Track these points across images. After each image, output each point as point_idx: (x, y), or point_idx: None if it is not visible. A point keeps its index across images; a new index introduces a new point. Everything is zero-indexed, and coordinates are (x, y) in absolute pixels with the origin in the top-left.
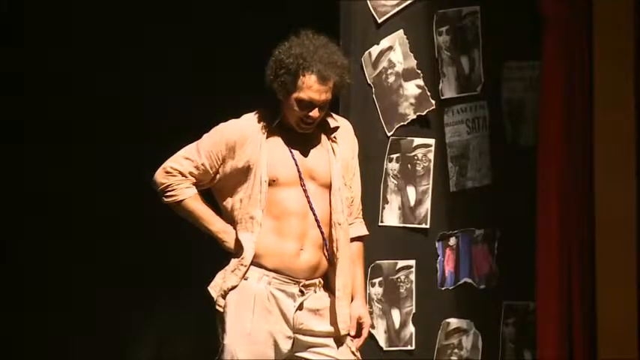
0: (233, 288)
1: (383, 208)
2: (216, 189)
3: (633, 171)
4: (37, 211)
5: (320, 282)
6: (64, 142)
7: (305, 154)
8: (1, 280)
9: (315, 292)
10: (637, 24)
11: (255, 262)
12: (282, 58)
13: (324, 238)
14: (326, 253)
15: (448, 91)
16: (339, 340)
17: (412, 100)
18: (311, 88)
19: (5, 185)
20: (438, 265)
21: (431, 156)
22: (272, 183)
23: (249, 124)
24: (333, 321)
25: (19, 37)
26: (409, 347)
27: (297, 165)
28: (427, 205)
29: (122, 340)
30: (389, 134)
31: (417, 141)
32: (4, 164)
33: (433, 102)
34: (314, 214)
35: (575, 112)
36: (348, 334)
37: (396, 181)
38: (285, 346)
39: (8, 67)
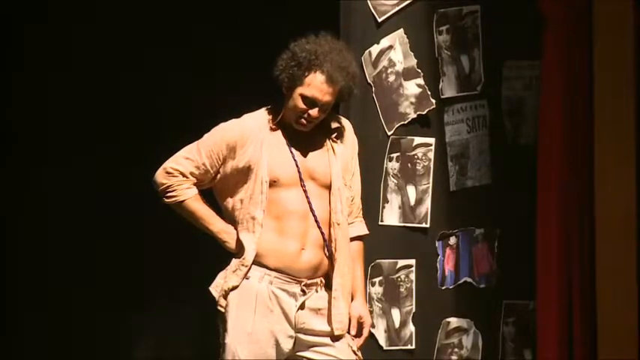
0: (234, 288)
1: (383, 207)
2: (216, 189)
3: (633, 171)
4: (37, 211)
5: (321, 281)
6: (64, 142)
7: (305, 154)
8: (1, 280)
9: (317, 291)
10: (637, 24)
11: (257, 262)
12: (296, 51)
13: (324, 238)
14: (327, 253)
15: (448, 90)
16: (338, 340)
17: (412, 100)
18: (317, 86)
19: (5, 185)
20: (438, 265)
21: (431, 155)
22: (273, 183)
23: (249, 124)
24: (330, 321)
25: (19, 34)
26: (409, 346)
27: (297, 165)
28: (427, 204)
29: (122, 340)
30: (389, 133)
31: (417, 140)
32: (5, 164)
33: (433, 101)
34: (313, 215)
35: (575, 112)
36: (349, 333)
37: (396, 181)
38: (287, 345)
39: (8, 67)
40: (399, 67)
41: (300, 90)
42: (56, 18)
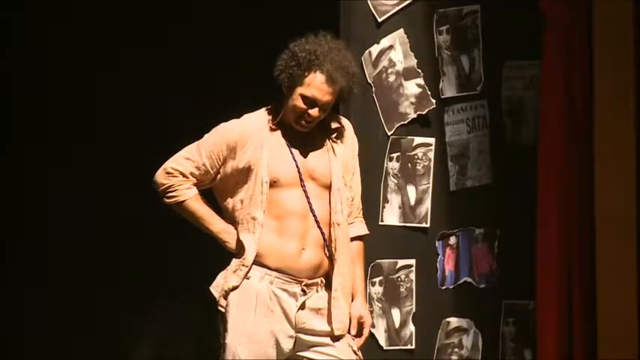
0: (234, 288)
1: (383, 207)
2: (216, 189)
3: (633, 171)
4: (37, 212)
5: (322, 281)
6: (64, 142)
7: (305, 154)
8: (1, 280)
9: (317, 291)
10: (637, 24)
11: (258, 262)
12: (296, 51)
13: (324, 238)
14: (327, 253)
15: (448, 90)
16: (338, 340)
17: (412, 99)
18: (317, 86)
19: (5, 185)
20: (438, 265)
21: (431, 155)
22: (273, 184)
23: (250, 124)
24: (330, 321)
25: (19, 36)
26: (409, 346)
27: (297, 166)
28: (427, 204)
29: (122, 340)
30: (389, 133)
31: (418, 140)
32: (5, 164)
33: (433, 101)
34: (314, 215)
35: (575, 112)
36: (349, 333)
37: (396, 180)
38: (287, 345)
39: (8, 67)
40: (399, 67)
41: (300, 90)
42: (60, 18)
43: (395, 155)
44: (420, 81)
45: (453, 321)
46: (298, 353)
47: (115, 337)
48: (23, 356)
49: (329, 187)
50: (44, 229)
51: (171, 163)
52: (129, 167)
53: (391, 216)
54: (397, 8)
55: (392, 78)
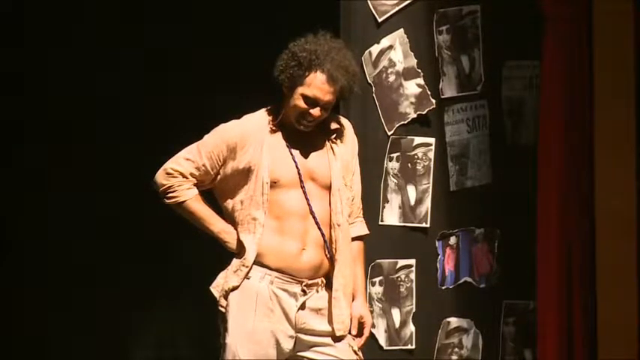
0: (235, 288)
1: (383, 207)
2: (217, 190)
3: (633, 171)
4: (37, 211)
5: (322, 281)
6: (64, 142)
7: (305, 155)
8: (1, 280)
9: (318, 291)
10: (637, 24)
11: (258, 262)
12: (296, 51)
13: (324, 239)
14: (327, 253)
15: (448, 90)
16: (339, 340)
17: (412, 99)
18: (318, 86)
19: (5, 185)
20: (438, 265)
21: (431, 155)
22: (273, 184)
23: (250, 125)
24: (331, 321)
25: (19, 36)
26: (409, 346)
27: (297, 166)
28: (427, 204)
29: (122, 340)
30: (389, 133)
31: (418, 140)
32: (5, 164)
33: (433, 101)
34: (313, 216)
35: (575, 112)
36: (350, 333)
37: (396, 180)
38: (287, 345)
39: (8, 67)
40: (399, 67)
41: (300, 90)
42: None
43: (395, 155)
44: (420, 81)
45: (453, 321)
46: (298, 353)
47: (115, 337)
48: (23, 356)
49: (329, 188)
50: (44, 229)
51: (171, 164)
52: (129, 167)
53: (391, 216)
54: (397, 8)
55: (392, 78)
